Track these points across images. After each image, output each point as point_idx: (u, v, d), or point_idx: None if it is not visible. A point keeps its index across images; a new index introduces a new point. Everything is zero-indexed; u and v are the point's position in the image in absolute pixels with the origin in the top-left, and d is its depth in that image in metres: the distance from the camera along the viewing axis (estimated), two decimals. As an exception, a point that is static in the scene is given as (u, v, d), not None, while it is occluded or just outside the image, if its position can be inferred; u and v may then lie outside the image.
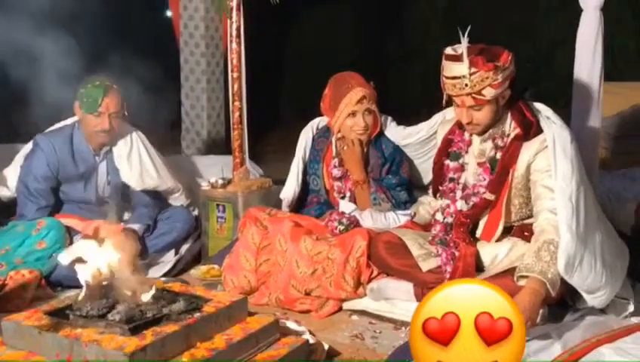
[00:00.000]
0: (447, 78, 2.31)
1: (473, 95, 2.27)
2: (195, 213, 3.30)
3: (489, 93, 2.27)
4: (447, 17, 7.57)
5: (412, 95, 6.75)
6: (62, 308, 1.81)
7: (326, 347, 2.10)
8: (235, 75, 3.08)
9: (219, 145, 5.51)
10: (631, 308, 2.32)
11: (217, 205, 3.13)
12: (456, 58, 2.26)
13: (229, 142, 3.34)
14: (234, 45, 3.06)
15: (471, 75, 2.24)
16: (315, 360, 2.02)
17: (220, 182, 3.16)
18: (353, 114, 2.75)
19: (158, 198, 3.14)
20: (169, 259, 3.03)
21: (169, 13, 5.81)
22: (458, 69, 2.26)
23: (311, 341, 2.06)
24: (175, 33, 5.67)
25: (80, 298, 1.79)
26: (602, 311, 2.34)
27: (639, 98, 5.34)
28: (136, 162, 2.99)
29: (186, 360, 1.64)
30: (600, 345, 2.07)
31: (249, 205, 2.98)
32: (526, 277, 2.17)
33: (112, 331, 1.66)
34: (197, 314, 1.77)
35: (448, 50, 2.30)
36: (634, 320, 2.32)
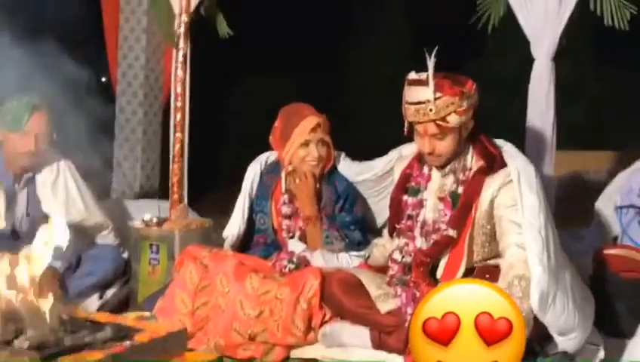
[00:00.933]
0: (411, 103, 2.20)
1: (437, 122, 2.16)
2: (125, 255, 2.97)
3: (453, 120, 2.16)
4: (394, 84, 7.66)
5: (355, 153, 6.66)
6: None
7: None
8: (179, 103, 2.88)
9: (152, 198, 5.19)
10: (601, 354, 2.18)
11: (150, 245, 2.83)
12: (421, 82, 2.16)
13: (163, 196, 3.09)
14: (179, 73, 2.88)
15: (436, 99, 2.14)
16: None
17: (155, 220, 2.87)
18: (306, 143, 2.58)
19: (84, 235, 2.80)
20: (93, 303, 2.68)
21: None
22: (423, 93, 2.15)
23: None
24: (111, 81, 5.43)
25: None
26: (571, 359, 2.18)
27: (577, 165, 5.53)
28: (61, 192, 2.67)
29: (111, 396, 1.34)
30: (576, 392, 1.90)
31: (186, 246, 2.70)
32: (497, 314, 1.98)
33: (18, 360, 1.33)
34: (127, 343, 1.47)
35: (412, 75, 2.20)
36: (604, 368, 2.18)
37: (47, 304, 1.54)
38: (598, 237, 3.11)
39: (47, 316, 1.49)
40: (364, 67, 7.74)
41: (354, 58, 7.62)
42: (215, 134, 7.10)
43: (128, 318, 2.03)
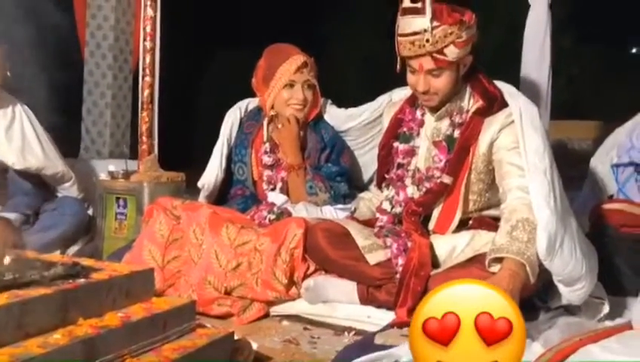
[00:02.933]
0: (404, 35, 1.99)
1: (434, 54, 1.96)
2: (90, 212, 2.74)
3: (452, 53, 1.97)
4: (366, 67, 7.47)
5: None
6: None
7: (255, 346, 1.62)
8: (149, 44, 2.63)
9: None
10: (606, 308, 2.02)
11: (117, 198, 2.59)
12: (417, 11, 1.96)
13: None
14: (149, 11, 2.62)
15: (433, 28, 1.94)
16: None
17: (122, 172, 2.64)
18: (291, 84, 2.36)
19: (44, 187, 2.56)
20: (52, 260, 2.44)
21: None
22: (418, 22, 1.95)
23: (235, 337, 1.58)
24: (80, 43, 5.13)
25: None
26: (573, 313, 2.03)
27: (568, 133, 5.45)
28: (17, 136, 2.43)
29: (60, 336, 1.12)
30: (584, 345, 1.74)
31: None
32: (500, 261, 1.81)
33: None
34: (81, 281, 1.25)
35: (406, 3, 1.99)
36: (608, 323, 2.02)
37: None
38: (592, 196, 2.96)
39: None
40: (343, 41, 7.52)
41: (332, 30, 7.40)
42: (188, 107, 6.79)
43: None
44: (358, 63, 7.39)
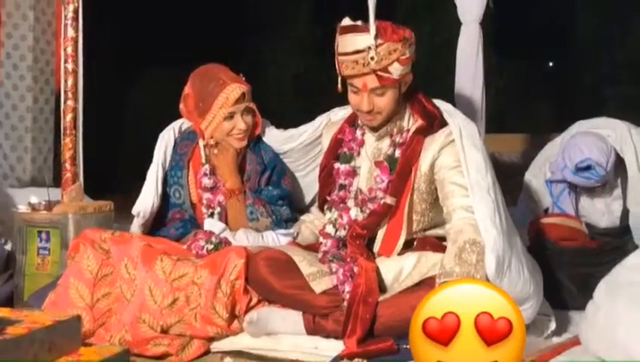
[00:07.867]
0: (347, 54, 1.94)
1: (378, 72, 1.92)
2: (8, 247, 2.52)
3: (396, 70, 1.93)
4: (296, 86, 7.46)
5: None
6: None
7: (197, 391, 1.50)
8: (70, 66, 2.46)
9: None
10: (553, 325, 2.02)
11: (39, 232, 2.39)
12: (359, 29, 1.92)
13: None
14: (70, 31, 2.46)
15: (377, 46, 1.89)
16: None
17: (44, 203, 2.44)
18: (231, 116, 2.25)
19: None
20: (-34, 304, 2.22)
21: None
22: (362, 40, 1.91)
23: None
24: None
25: None
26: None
27: (498, 147, 5.56)
28: None
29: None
30: (535, 366, 1.72)
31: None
32: (449, 284, 1.76)
33: None
34: (-4, 338, 1.10)
35: (346, 22, 1.95)
36: (555, 339, 2.02)
37: None
38: (528, 210, 3.00)
39: None
40: (273, 60, 7.50)
41: (261, 49, 7.36)
42: (113, 130, 6.52)
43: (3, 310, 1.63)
44: (285, 82, 7.38)
